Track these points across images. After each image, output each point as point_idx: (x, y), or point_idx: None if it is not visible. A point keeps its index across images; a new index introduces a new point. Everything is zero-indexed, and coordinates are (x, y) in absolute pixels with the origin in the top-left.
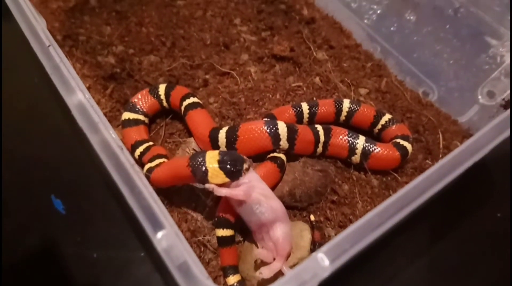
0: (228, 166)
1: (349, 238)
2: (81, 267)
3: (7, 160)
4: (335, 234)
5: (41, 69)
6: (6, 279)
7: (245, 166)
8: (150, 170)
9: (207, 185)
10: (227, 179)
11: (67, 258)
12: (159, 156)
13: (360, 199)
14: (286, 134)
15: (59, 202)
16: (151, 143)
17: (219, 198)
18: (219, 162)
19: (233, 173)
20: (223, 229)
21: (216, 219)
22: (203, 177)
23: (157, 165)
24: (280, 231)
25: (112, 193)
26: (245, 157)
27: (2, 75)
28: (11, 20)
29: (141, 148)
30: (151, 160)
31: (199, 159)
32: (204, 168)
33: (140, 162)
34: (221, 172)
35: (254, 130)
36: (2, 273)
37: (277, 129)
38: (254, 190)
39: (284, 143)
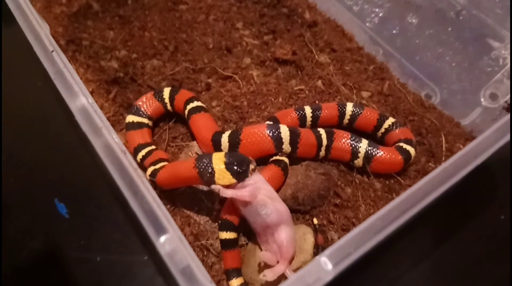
0: (235, 167)
1: (352, 241)
2: (84, 271)
3: (11, 164)
4: (338, 238)
5: (44, 73)
6: (9, 283)
7: (251, 167)
8: (155, 172)
9: (213, 186)
10: (233, 180)
11: (71, 261)
12: (160, 160)
13: (363, 202)
14: (288, 138)
15: (63, 206)
16: (153, 147)
17: (223, 201)
18: (226, 163)
19: (240, 174)
20: (226, 231)
21: (220, 221)
22: (210, 178)
23: (161, 167)
24: (284, 234)
25: (116, 197)
26: (250, 158)
27: (5, 79)
28: (13, 24)
29: (143, 152)
30: (153, 164)
31: (206, 161)
32: (211, 169)
33: (142, 166)
34: (228, 173)
35: (257, 134)
36: (5, 277)
37: (280, 132)
38: (260, 191)
39: (286, 147)
